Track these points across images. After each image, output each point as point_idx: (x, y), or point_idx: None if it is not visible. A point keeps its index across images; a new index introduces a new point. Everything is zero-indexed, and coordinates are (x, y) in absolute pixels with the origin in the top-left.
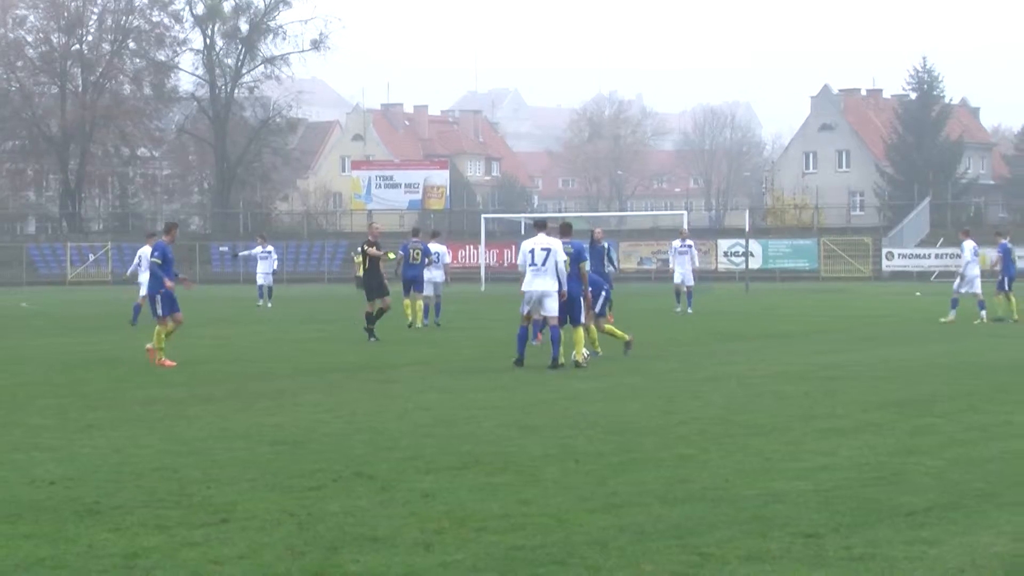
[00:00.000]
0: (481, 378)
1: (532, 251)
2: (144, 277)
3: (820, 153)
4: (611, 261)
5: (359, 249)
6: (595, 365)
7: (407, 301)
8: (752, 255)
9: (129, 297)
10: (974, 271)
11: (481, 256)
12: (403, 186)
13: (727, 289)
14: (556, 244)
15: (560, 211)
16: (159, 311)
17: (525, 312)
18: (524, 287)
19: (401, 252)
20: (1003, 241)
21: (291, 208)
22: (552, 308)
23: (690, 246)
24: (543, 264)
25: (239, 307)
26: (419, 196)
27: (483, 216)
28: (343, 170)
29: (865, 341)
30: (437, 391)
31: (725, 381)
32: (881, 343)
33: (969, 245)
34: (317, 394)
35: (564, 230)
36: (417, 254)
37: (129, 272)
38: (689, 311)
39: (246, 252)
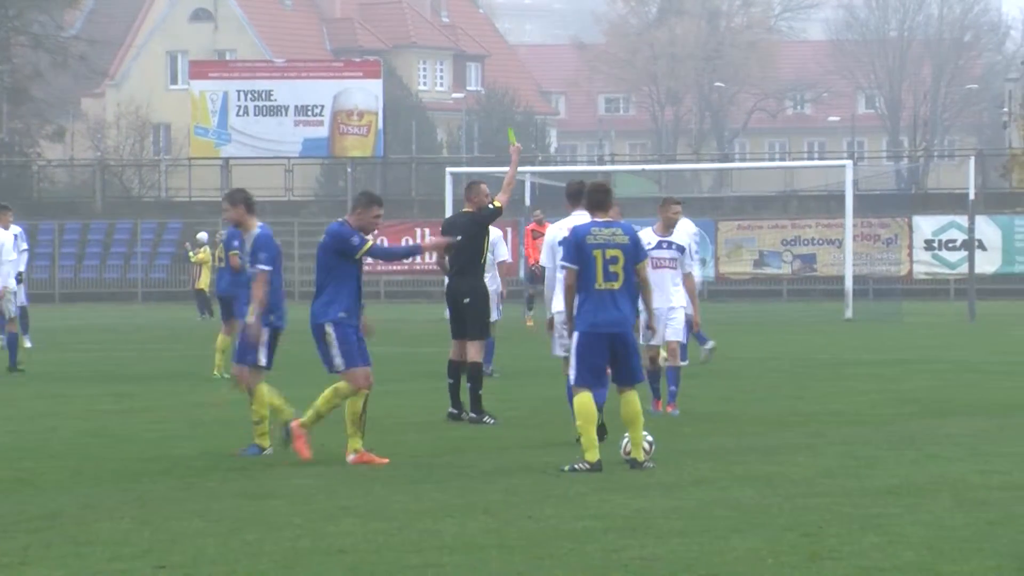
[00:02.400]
0: (445, 489)
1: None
2: None
3: None
4: (694, 260)
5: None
6: (668, 464)
7: (222, 336)
8: (982, 247)
9: None
10: None
11: None
12: (292, 111)
13: (932, 312)
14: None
15: (604, 159)
16: (336, 360)
17: (560, 353)
18: (556, 307)
19: (204, 244)
20: None
21: (69, 155)
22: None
23: (681, 249)
24: None
25: None
26: (324, 132)
27: (449, 171)
28: (173, 80)
29: None
30: (359, 515)
31: (927, 496)
32: None
33: None
34: (120, 522)
35: (595, 200)
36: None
37: None
38: (671, 411)
39: None
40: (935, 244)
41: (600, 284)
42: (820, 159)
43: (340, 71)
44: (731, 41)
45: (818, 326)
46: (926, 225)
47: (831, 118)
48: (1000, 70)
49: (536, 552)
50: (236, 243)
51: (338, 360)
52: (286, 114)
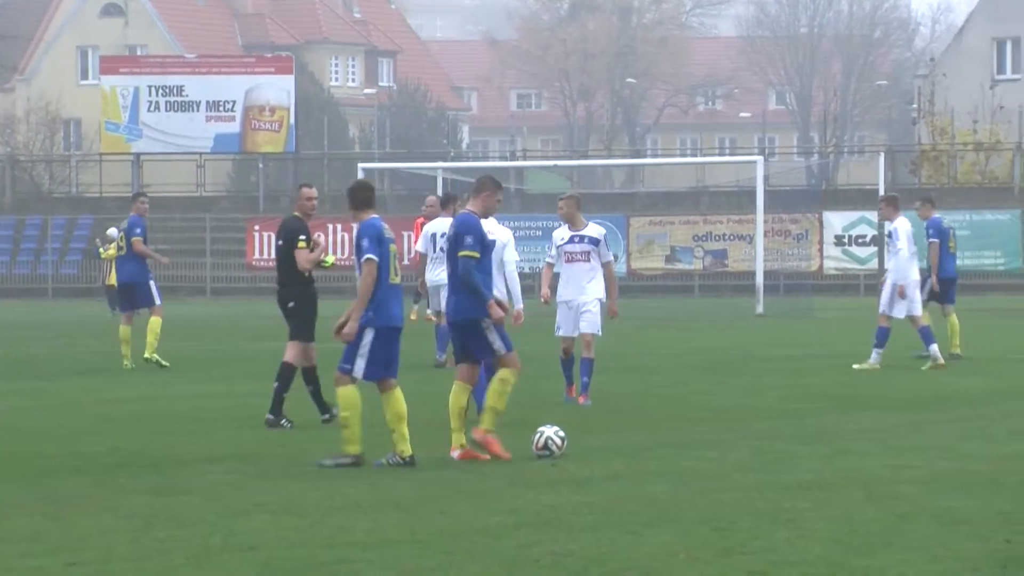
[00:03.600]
0: (357, 485)
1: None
2: None
3: None
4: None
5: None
6: (580, 459)
7: (124, 327)
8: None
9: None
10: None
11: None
12: (204, 107)
13: (843, 307)
14: (504, 233)
15: (516, 155)
16: (496, 345)
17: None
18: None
19: (115, 233)
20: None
21: None
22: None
23: (594, 242)
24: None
25: None
26: (236, 128)
27: (361, 167)
28: (83, 75)
29: None
30: (271, 511)
31: (838, 491)
32: None
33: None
34: (31, 519)
35: (364, 198)
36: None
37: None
38: (583, 401)
39: None
40: (845, 240)
41: (393, 279)
42: (731, 155)
43: (252, 67)
44: (643, 37)
45: (729, 321)
46: (836, 221)
47: (742, 114)
48: (909, 66)
49: (448, 547)
50: (138, 230)
51: (497, 344)
52: (197, 110)
